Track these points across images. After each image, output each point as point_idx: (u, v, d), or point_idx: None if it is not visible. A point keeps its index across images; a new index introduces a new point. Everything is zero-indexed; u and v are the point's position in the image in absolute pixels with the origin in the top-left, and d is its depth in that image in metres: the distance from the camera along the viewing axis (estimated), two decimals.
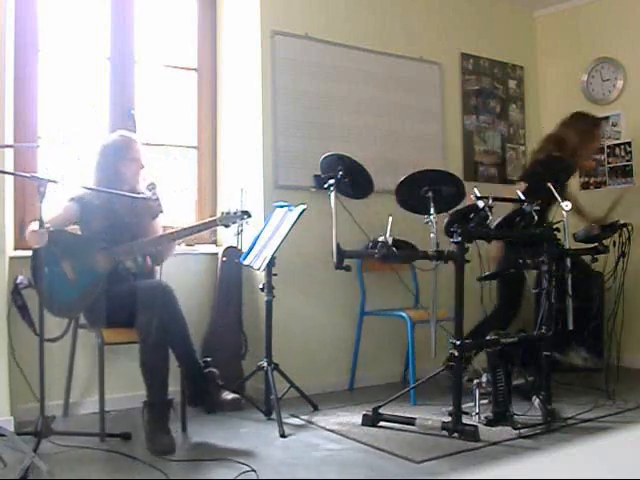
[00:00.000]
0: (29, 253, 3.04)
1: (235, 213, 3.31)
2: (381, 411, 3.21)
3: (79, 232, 3.29)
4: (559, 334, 3.38)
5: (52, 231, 2.82)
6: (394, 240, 3.08)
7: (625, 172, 4.82)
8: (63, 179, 2.92)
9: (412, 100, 4.56)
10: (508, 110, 5.16)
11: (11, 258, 3.29)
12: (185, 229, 3.28)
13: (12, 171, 3.29)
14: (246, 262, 3.51)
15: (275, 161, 3.98)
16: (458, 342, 3.03)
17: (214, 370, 3.20)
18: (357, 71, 4.32)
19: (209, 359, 3.25)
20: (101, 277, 3.06)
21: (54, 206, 3.21)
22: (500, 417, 3.12)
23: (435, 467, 2.59)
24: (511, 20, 5.20)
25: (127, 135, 3.37)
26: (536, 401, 3.28)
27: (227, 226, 3.34)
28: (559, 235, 3.35)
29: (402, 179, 3.18)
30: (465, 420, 3.04)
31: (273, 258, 3.35)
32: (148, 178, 3.34)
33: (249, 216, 3.36)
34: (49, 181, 2.63)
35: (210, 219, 3.41)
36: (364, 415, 3.22)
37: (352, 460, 2.72)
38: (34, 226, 2.83)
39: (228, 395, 3.16)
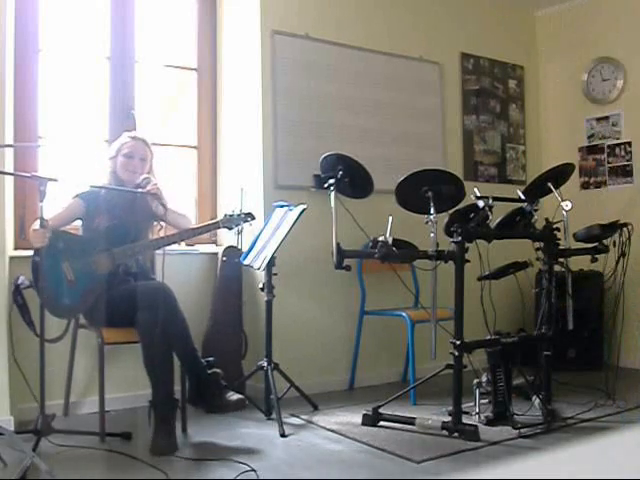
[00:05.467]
0: (29, 253, 3.04)
1: (238, 215, 3.32)
2: (381, 411, 3.21)
3: (81, 230, 3.29)
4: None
5: (53, 231, 2.82)
6: (394, 240, 3.08)
7: (625, 172, 4.82)
8: (63, 178, 2.90)
9: (412, 100, 4.56)
10: (508, 110, 5.16)
11: (11, 258, 3.29)
12: (187, 231, 3.28)
13: (12, 171, 3.29)
14: (246, 262, 3.51)
15: (275, 161, 3.98)
16: (458, 342, 3.03)
17: (218, 371, 3.19)
18: (357, 71, 4.32)
19: (212, 359, 3.25)
20: (101, 278, 3.06)
21: (57, 204, 3.21)
22: (500, 417, 3.12)
23: (435, 467, 2.59)
24: (511, 20, 5.20)
25: (129, 134, 3.37)
26: (536, 401, 3.29)
27: (230, 229, 3.35)
28: (559, 234, 3.36)
29: (402, 179, 3.17)
30: (465, 420, 3.04)
31: (273, 258, 3.36)
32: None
33: (253, 218, 3.37)
34: (49, 180, 2.63)
35: (213, 221, 3.41)
36: (364, 415, 3.22)
37: (352, 460, 2.72)
38: (35, 225, 2.83)
39: (232, 396, 3.16)
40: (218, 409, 3.16)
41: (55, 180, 2.66)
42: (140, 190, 3.18)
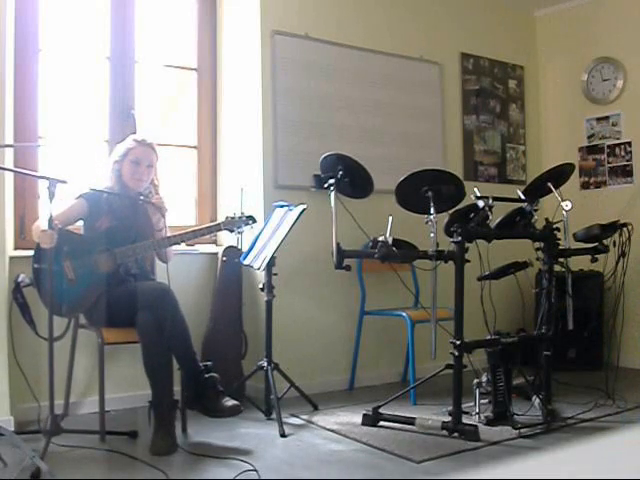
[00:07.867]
0: (29, 253, 3.03)
1: (240, 218, 3.31)
2: (381, 411, 3.21)
3: (82, 230, 3.28)
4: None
5: (59, 230, 2.82)
6: (394, 240, 3.08)
7: (625, 172, 4.82)
8: (68, 179, 2.89)
9: (412, 100, 4.56)
10: (508, 110, 5.16)
11: (11, 258, 3.29)
12: (188, 233, 3.27)
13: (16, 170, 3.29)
14: (246, 262, 3.51)
15: (275, 161, 3.98)
16: (458, 342, 3.03)
17: (215, 375, 3.18)
18: (357, 71, 4.32)
19: (209, 363, 3.24)
20: (102, 278, 3.06)
21: (58, 203, 3.21)
22: (500, 417, 3.12)
23: (435, 467, 2.60)
24: (511, 20, 5.20)
25: (136, 138, 3.33)
26: (536, 401, 3.29)
27: (231, 231, 3.34)
28: (559, 234, 3.36)
29: (402, 179, 3.17)
30: (465, 420, 3.04)
31: (273, 258, 3.36)
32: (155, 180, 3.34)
33: (254, 221, 3.37)
34: (59, 181, 2.62)
35: (214, 223, 3.40)
36: (364, 415, 3.22)
37: (352, 460, 2.72)
38: (41, 225, 2.82)
39: (228, 402, 3.15)
40: (213, 413, 3.16)
41: (65, 182, 2.66)
42: (143, 199, 3.17)
